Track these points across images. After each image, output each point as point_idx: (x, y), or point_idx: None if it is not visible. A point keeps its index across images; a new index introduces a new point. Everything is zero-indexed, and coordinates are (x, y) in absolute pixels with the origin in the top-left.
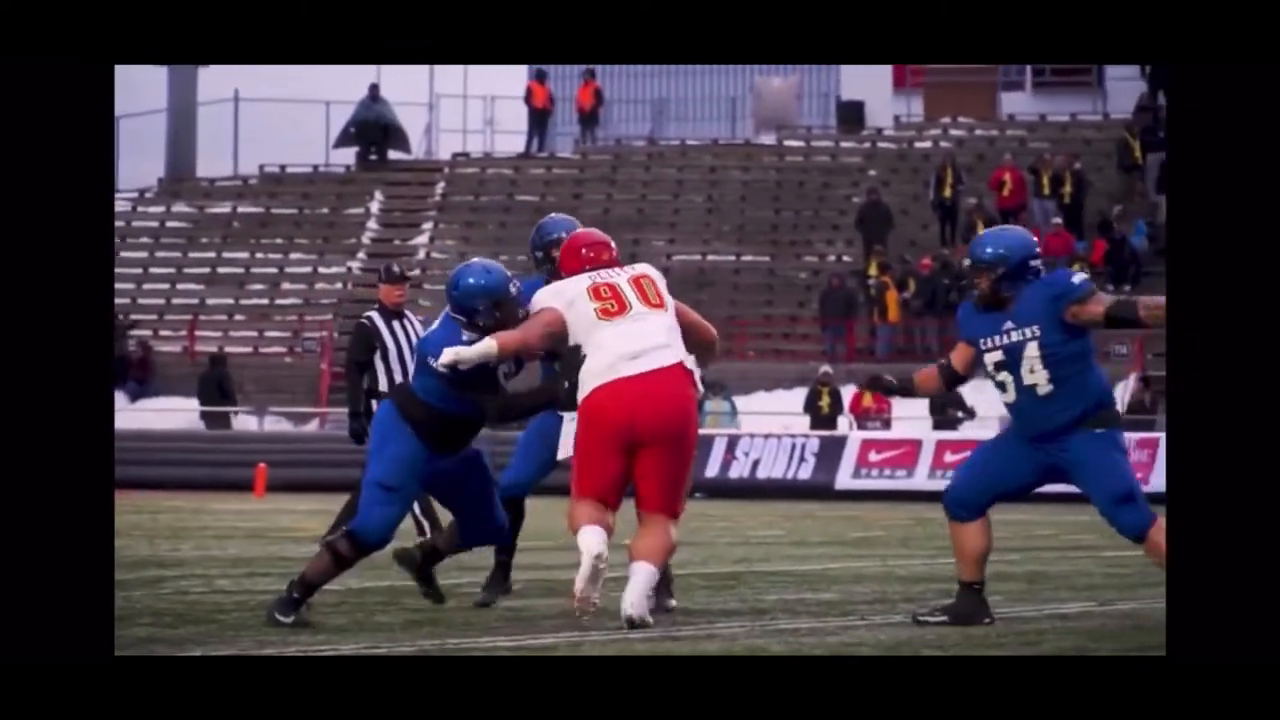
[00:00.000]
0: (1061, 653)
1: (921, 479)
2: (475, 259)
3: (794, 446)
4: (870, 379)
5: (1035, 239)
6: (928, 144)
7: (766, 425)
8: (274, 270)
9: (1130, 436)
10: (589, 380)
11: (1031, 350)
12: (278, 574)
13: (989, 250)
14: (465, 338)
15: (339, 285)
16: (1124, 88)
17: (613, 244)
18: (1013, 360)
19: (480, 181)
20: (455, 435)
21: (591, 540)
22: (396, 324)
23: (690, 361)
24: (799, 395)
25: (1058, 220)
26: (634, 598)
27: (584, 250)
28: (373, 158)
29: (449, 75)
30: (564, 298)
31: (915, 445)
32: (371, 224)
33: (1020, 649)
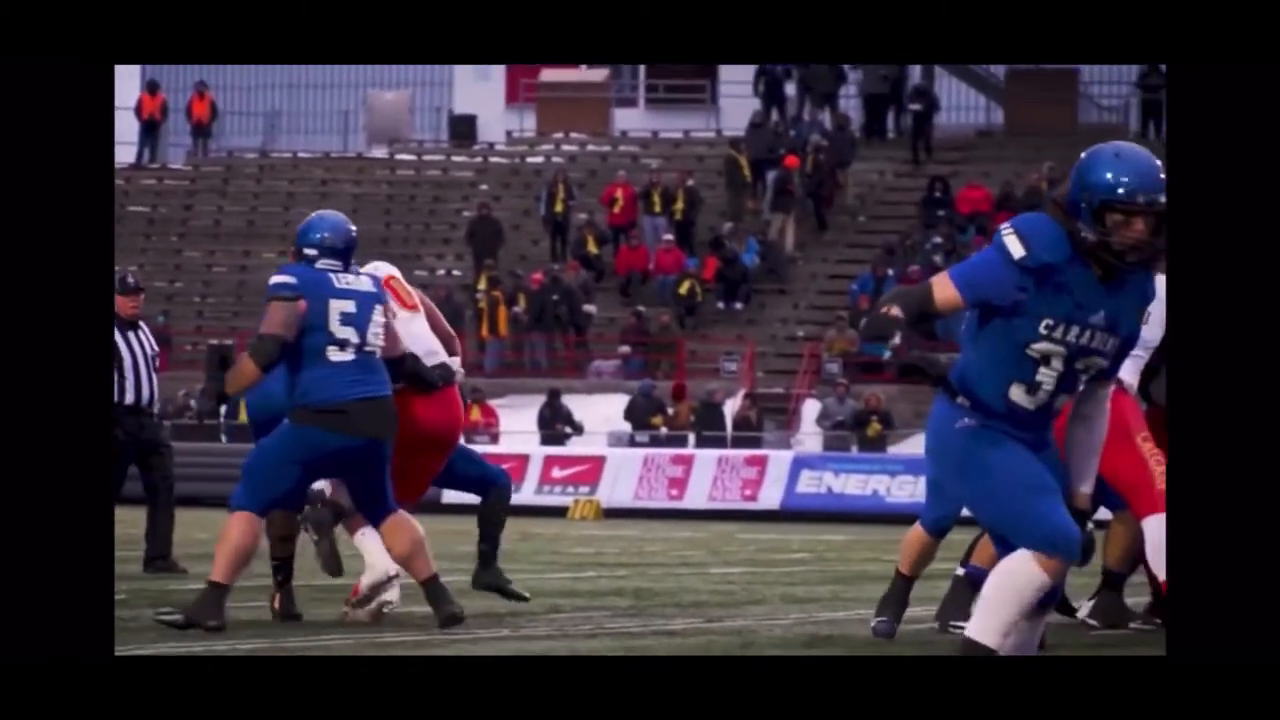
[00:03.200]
0: None
1: (529, 493)
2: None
3: None
4: None
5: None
6: (540, 159)
7: None
8: None
9: (738, 454)
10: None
11: None
12: None
13: None
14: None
15: None
16: (737, 105)
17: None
18: None
19: None
20: None
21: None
22: (131, 335)
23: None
24: None
25: (669, 237)
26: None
27: None
28: None
29: None
30: None
31: (523, 459)
32: None
33: None
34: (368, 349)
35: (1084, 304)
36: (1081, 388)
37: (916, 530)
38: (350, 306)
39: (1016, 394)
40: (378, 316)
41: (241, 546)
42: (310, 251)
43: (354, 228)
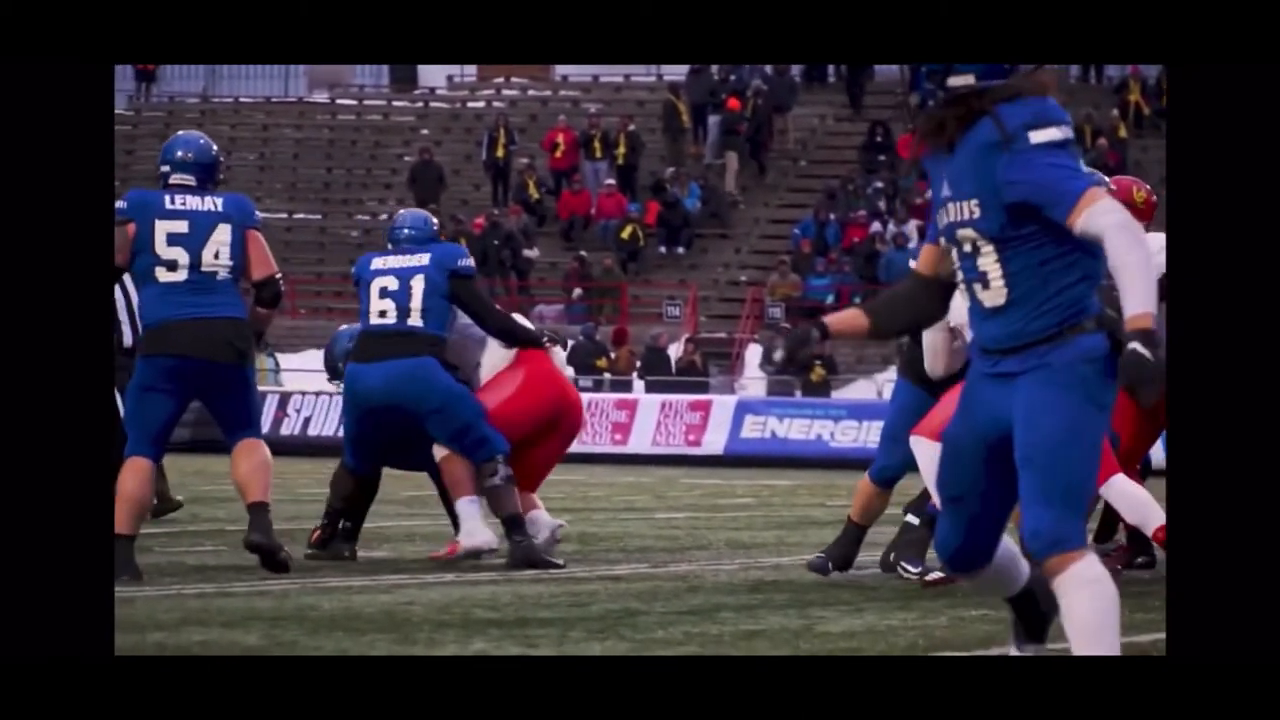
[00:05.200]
0: (611, 614)
1: None
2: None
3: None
4: None
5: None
6: (481, 104)
7: (318, 383)
8: None
9: (682, 399)
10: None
11: None
12: None
13: None
14: None
15: None
16: None
17: None
18: None
19: None
20: None
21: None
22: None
23: None
24: None
25: (610, 181)
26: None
27: None
28: None
29: None
30: None
31: None
32: None
33: (570, 610)
34: (204, 270)
35: (938, 186)
36: (991, 258)
37: (865, 479)
38: (181, 227)
39: (958, 297)
40: (221, 236)
41: (130, 494)
42: (164, 169)
43: (214, 147)
